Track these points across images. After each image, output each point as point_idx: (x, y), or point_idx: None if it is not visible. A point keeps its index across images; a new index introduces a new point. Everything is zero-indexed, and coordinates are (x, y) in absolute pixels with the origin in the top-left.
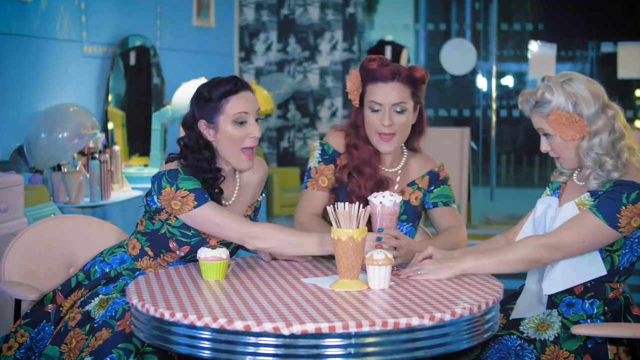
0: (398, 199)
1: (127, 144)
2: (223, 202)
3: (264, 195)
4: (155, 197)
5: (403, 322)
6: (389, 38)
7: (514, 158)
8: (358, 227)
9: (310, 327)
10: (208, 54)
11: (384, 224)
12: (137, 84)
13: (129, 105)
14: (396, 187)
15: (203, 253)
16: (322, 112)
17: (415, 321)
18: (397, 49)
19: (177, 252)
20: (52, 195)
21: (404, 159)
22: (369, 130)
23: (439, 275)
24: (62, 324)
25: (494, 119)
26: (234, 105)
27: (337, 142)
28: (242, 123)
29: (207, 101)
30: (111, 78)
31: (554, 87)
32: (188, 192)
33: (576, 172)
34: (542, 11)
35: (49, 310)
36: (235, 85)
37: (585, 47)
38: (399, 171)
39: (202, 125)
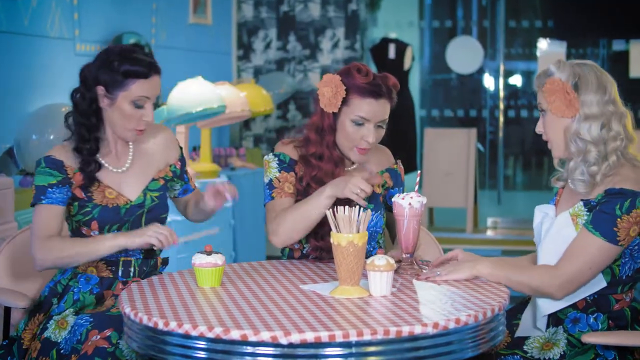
0: (424, 199)
1: None
2: (111, 168)
3: (183, 158)
4: None
5: (406, 330)
6: (392, 36)
7: (522, 160)
8: (358, 231)
9: (310, 336)
10: (205, 52)
11: (412, 226)
12: None
13: None
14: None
15: (198, 259)
16: None
17: (418, 329)
18: (401, 47)
19: (92, 233)
20: None
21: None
22: (343, 141)
23: (456, 275)
24: (27, 358)
25: (501, 119)
26: (140, 87)
27: (290, 152)
28: (139, 107)
29: (113, 71)
30: None
31: (564, 63)
32: (34, 188)
33: (570, 165)
34: (551, 7)
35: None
36: (148, 70)
37: (596, 44)
38: (356, 167)
39: (100, 90)
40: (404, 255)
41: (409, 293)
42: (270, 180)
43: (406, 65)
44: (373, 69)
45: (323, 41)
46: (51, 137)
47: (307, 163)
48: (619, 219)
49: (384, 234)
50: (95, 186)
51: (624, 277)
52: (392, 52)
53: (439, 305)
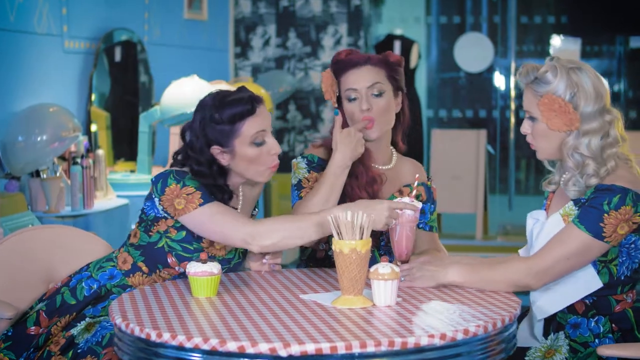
0: (419, 204)
1: (112, 148)
2: None
3: (257, 209)
4: (156, 200)
5: (411, 341)
6: (398, 32)
7: (535, 163)
8: (362, 238)
9: (310, 348)
10: (200, 50)
11: (404, 232)
12: (122, 82)
13: (114, 106)
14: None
15: (193, 268)
16: (325, 112)
17: (424, 341)
18: (407, 44)
19: (177, 268)
20: (30, 204)
21: (394, 159)
22: (351, 123)
23: (422, 283)
24: (45, 349)
25: (512, 120)
26: (251, 125)
27: (320, 153)
28: (260, 144)
29: (219, 123)
30: (94, 76)
31: (560, 69)
32: (194, 190)
33: (564, 177)
34: (565, 2)
35: (32, 333)
36: (252, 105)
37: (612, 41)
38: (390, 169)
39: (215, 150)
40: (398, 264)
41: (415, 303)
42: (299, 180)
43: (412, 63)
44: None
45: (325, 38)
46: (38, 138)
47: None
48: (605, 215)
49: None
50: None
51: (622, 277)
52: (397, 50)
53: (447, 315)
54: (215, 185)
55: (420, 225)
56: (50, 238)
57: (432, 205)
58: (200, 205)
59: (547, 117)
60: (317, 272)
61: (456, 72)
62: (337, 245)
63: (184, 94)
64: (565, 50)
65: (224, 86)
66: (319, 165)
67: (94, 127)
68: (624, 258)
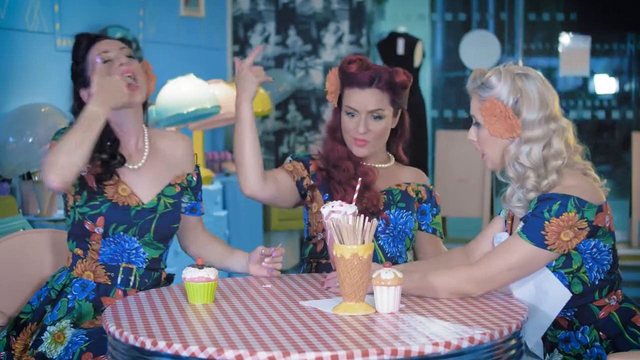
0: (351, 209)
1: None
2: (129, 166)
3: (197, 172)
4: None
5: (415, 350)
6: (401, 30)
7: None
8: (364, 242)
9: (310, 357)
10: (197, 48)
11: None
12: None
13: None
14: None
15: (189, 273)
16: (326, 113)
17: (428, 349)
18: (411, 42)
19: (96, 230)
20: (22, 207)
21: (390, 162)
22: (344, 134)
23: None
24: None
25: None
26: (95, 49)
27: (312, 153)
28: (107, 61)
29: (77, 65)
30: None
31: (504, 75)
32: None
33: (506, 194)
34: None
35: None
36: (94, 37)
37: (623, 39)
38: (386, 168)
39: (84, 95)
40: (334, 269)
41: (418, 310)
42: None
43: (416, 62)
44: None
45: (326, 36)
46: (30, 139)
47: (325, 158)
48: (546, 222)
49: (414, 242)
50: (111, 181)
51: (597, 282)
52: (400, 48)
53: (452, 322)
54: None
55: (423, 227)
56: (42, 243)
57: (435, 208)
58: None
59: (489, 122)
60: (317, 278)
61: (462, 71)
62: (338, 250)
63: (180, 93)
64: (574, 49)
65: (222, 86)
66: (303, 159)
67: None
68: (591, 264)
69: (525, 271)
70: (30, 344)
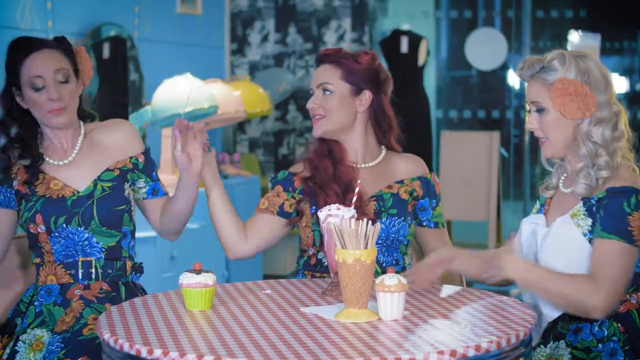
0: (348, 212)
1: None
2: (52, 162)
3: (148, 154)
4: None
5: (419, 358)
6: (405, 27)
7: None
8: (366, 247)
9: None
10: (194, 46)
11: (333, 242)
12: (111, 80)
13: (102, 106)
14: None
15: (186, 279)
16: None
17: (433, 357)
18: (415, 40)
19: (39, 229)
20: None
21: (381, 155)
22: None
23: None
24: None
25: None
26: (27, 69)
27: (295, 168)
28: (39, 89)
29: (8, 66)
30: None
31: (567, 57)
32: None
33: (562, 178)
34: None
35: None
36: (27, 46)
37: (634, 37)
38: (375, 166)
39: (15, 94)
40: (332, 275)
41: (423, 317)
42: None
43: (420, 61)
44: (383, 63)
45: (327, 33)
46: None
47: (312, 165)
48: (630, 217)
49: (410, 255)
50: (39, 180)
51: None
52: (404, 46)
53: (457, 330)
54: (24, 128)
55: (424, 223)
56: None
57: (434, 200)
58: None
59: (561, 103)
60: (319, 283)
61: (467, 70)
62: (340, 255)
63: (176, 93)
64: (583, 47)
65: (219, 85)
66: (285, 179)
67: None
68: None
69: (630, 272)
70: (6, 358)
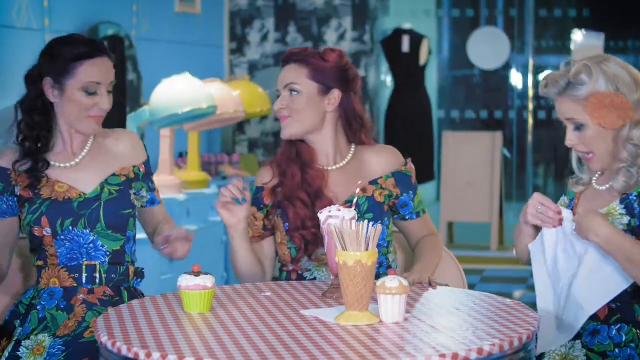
0: (349, 214)
1: None
2: (58, 164)
3: (149, 165)
4: None
5: None
6: (406, 26)
7: (555, 168)
8: (367, 249)
9: None
10: (193, 46)
11: (333, 243)
12: None
13: None
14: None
15: (184, 281)
16: None
17: None
18: (417, 39)
19: (44, 232)
20: None
21: (350, 153)
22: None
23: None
24: None
25: (530, 121)
26: (87, 72)
27: (264, 175)
28: (92, 94)
29: (56, 58)
30: None
31: (593, 68)
32: None
33: (596, 176)
34: None
35: None
36: (92, 49)
37: (638, 36)
38: (344, 166)
39: (46, 83)
40: (332, 278)
41: (425, 319)
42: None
43: (422, 60)
44: (384, 63)
45: (327, 32)
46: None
47: (280, 171)
48: None
49: (393, 251)
50: (43, 182)
51: None
52: (406, 45)
53: (459, 333)
54: (34, 124)
55: (407, 217)
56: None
57: (411, 192)
58: None
59: (600, 116)
60: (319, 286)
61: (469, 70)
62: (340, 257)
63: (175, 93)
64: (587, 46)
65: (218, 85)
66: (255, 197)
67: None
68: None
69: None
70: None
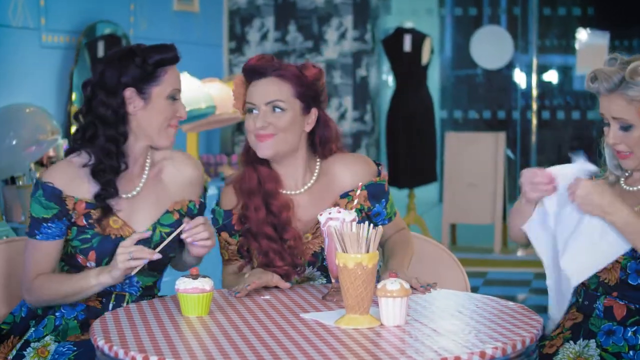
0: (349, 216)
1: None
2: (122, 195)
3: (202, 200)
4: None
5: None
6: (408, 25)
7: None
8: (368, 251)
9: None
10: (191, 45)
11: (333, 245)
12: None
13: None
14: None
15: (182, 284)
16: (329, 114)
17: None
18: (419, 38)
19: (88, 264)
20: (5, 214)
21: (316, 170)
22: (248, 136)
23: (585, 207)
24: None
25: (534, 122)
26: (172, 78)
27: (228, 199)
28: (174, 99)
29: (140, 66)
30: (75, 73)
31: None
32: (29, 217)
33: (624, 175)
34: None
35: None
36: (175, 54)
37: None
38: (311, 187)
39: (129, 93)
40: (332, 281)
41: (426, 322)
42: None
43: (424, 59)
44: (385, 63)
45: (328, 31)
46: (13, 142)
47: (242, 194)
48: None
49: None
50: (100, 212)
51: None
52: (407, 44)
53: (461, 336)
54: (113, 139)
55: (380, 223)
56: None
57: (384, 200)
58: (26, 232)
59: None
60: (319, 288)
61: (472, 69)
62: (341, 259)
63: None
64: (591, 45)
65: (217, 85)
66: (224, 224)
67: (74, 130)
68: None
69: None
70: (11, 358)
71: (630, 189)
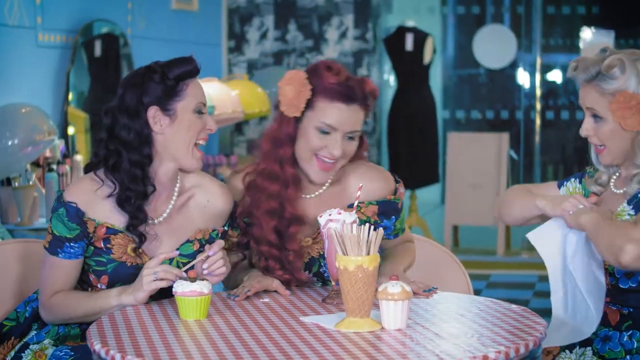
0: (351, 217)
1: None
2: (149, 221)
3: (226, 228)
4: None
5: None
6: (410, 24)
7: (563, 169)
8: (369, 253)
9: None
10: (190, 44)
11: (333, 247)
12: (103, 79)
13: (93, 106)
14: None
15: (180, 287)
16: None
17: None
18: (421, 37)
19: (99, 285)
20: (0, 215)
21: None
22: (303, 152)
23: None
24: None
25: (538, 122)
26: (195, 91)
27: (234, 189)
28: (201, 113)
29: (160, 82)
30: (72, 72)
31: (627, 62)
32: (50, 233)
33: (614, 177)
34: None
35: None
36: (194, 66)
37: None
38: (325, 191)
39: (152, 112)
40: (332, 284)
41: (428, 326)
42: None
43: (426, 59)
44: (387, 62)
45: (328, 30)
46: (9, 142)
47: (254, 190)
48: None
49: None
50: (121, 236)
51: None
52: (409, 43)
53: (463, 340)
54: (139, 163)
55: (385, 237)
56: (22, 253)
57: (394, 217)
58: (45, 247)
59: (622, 116)
60: (319, 291)
61: (475, 69)
62: (341, 261)
63: None
64: (596, 45)
65: (216, 85)
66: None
67: (71, 130)
68: None
69: None
70: (9, 359)
71: (618, 191)
